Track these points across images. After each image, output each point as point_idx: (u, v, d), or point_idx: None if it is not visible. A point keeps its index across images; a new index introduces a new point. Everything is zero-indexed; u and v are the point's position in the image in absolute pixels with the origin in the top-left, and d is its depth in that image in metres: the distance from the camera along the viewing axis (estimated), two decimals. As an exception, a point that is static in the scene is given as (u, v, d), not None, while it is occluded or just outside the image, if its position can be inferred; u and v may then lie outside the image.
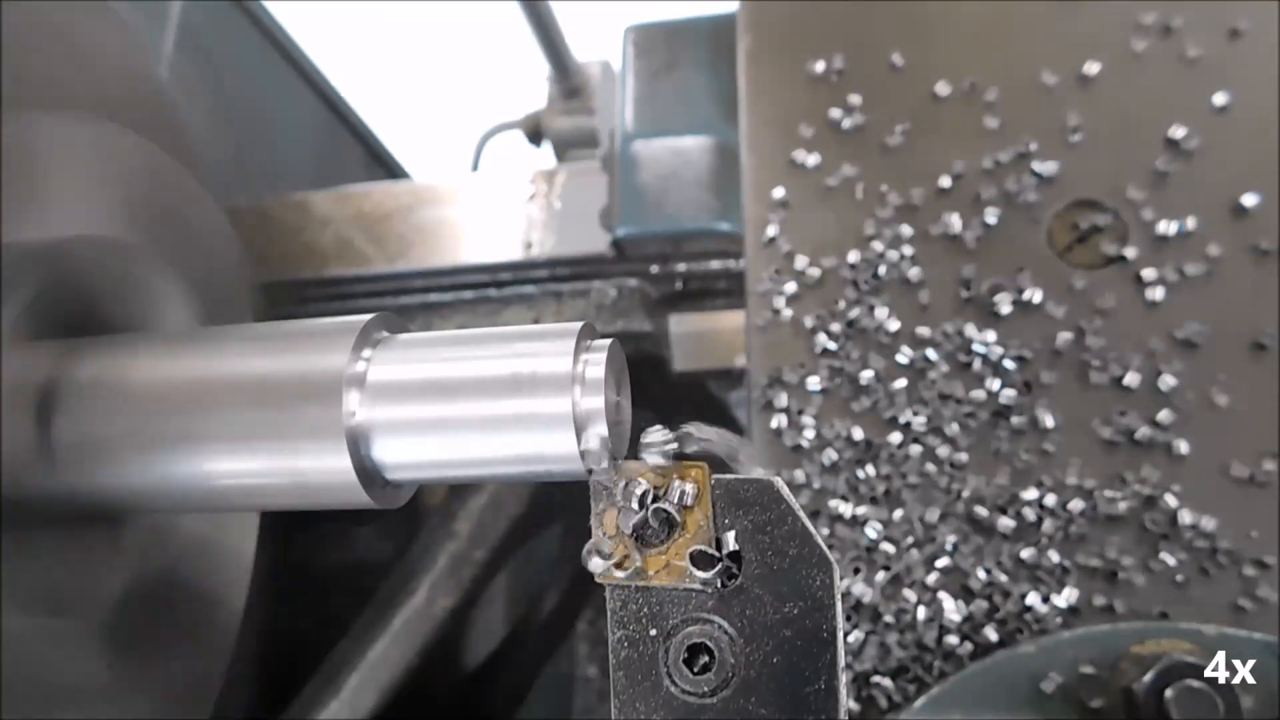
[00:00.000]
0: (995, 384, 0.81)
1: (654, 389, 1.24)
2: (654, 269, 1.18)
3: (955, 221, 0.87)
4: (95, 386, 0.57)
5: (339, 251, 1.26)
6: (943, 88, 0.92)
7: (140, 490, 0.56)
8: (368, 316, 0.54)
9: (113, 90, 0.71)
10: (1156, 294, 0.82)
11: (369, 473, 0.52)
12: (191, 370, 0.55)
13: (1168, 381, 0.79)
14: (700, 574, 0.45)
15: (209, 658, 0.76)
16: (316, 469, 0.52)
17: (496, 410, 0.49)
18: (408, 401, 0.51)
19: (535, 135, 1.85)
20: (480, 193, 1.28)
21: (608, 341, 0.51)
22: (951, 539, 0.78)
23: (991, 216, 0.87)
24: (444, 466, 0.52)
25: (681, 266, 1.17)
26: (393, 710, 1.18)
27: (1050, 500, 0.77)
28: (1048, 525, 0.77)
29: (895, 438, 0.81)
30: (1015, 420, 0.80)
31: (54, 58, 0.65)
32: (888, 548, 0.78)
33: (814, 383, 0.84)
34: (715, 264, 1.16)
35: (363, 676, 1.17)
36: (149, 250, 0.69)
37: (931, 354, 0.83)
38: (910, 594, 0.77)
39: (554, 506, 1.32)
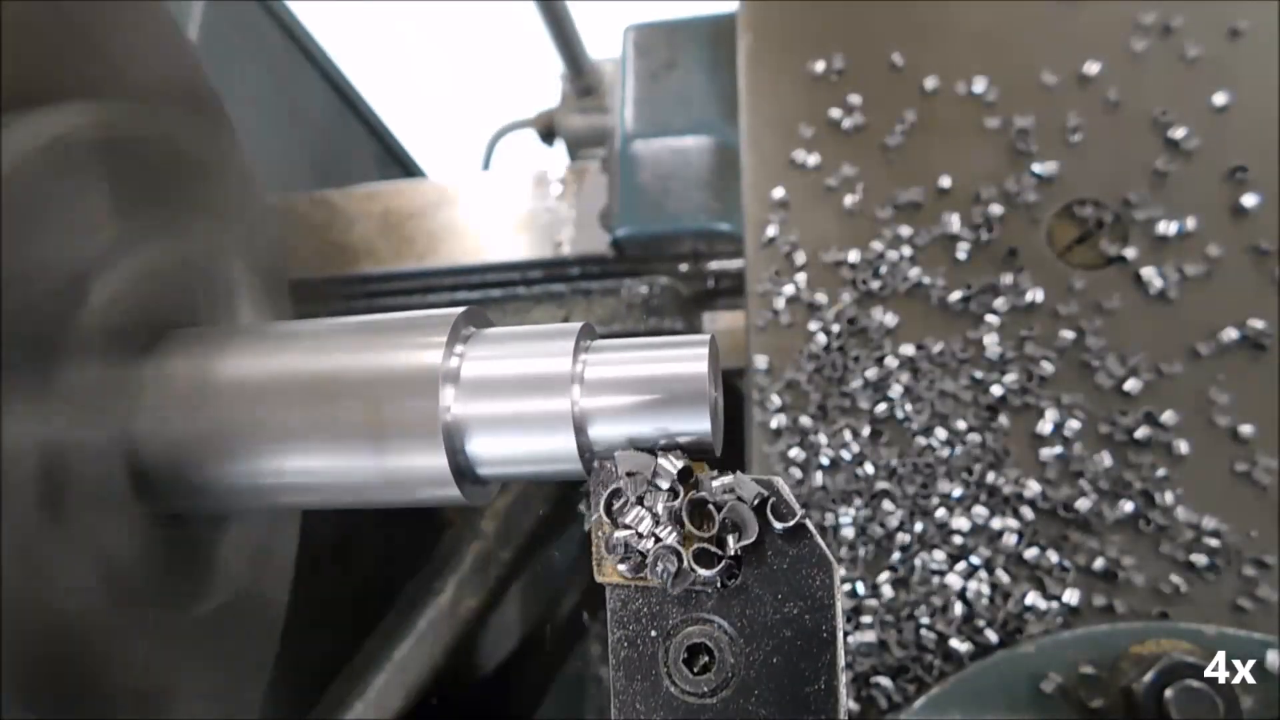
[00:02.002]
0: (994, 383, 0.81)
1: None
2: (684, 267, 1.18)
3: (955, 221, 0.87)
4: (181, 382, 0.56)
5: (367, 249, 1.26)
6: (942, 87, 0.92)
7: (230, 487, 0.55)
8: (458, 310, 0.53)
9: (166, 80, 0.71)
10: (1156, 294, 0.82)
11: (462, 469, 0.52)
12: (282, 365, 0.55)
13: (1167, 381, 0.79)
14: (702, 573, 0.45)
15: (258, 660, 0.75)
16: (412, 465, 0.51)
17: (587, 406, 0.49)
18: (502, 397, 0.51)
19: (548, 134, 1.84)
20: (507, 191, 1.27)
21: (708, 336, 0.51)
22: (951, 539, 0.78)
23: (992, 216, 0.86)
24: (535, 462, 0.51)
25: (714, 265, 1.17)
26: (417, 710, 1.18)
27: (1050, 499, 0.77)
28: (1047, 525, 0.77)
29: (895, 437, 0.81)
30: (1015, 420, 0.80)
31: (115, 48, 0.65)
32: (887, 547, 0.78)
33: (814, 383, 0.84)
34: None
35: (389, 677, 1.17)
36: (229, 245, 0.68)
37: (931, 353, 0.83)
38: (910, 594, 0.77)
39: (577, 505, 1.32)
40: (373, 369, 0.52)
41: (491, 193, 1.28)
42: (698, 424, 0.48)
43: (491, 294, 1.24)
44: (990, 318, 0.83)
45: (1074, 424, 0.79)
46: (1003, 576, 0.76)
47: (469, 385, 0.51)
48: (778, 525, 0.45)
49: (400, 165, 1.97)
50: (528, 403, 0.50)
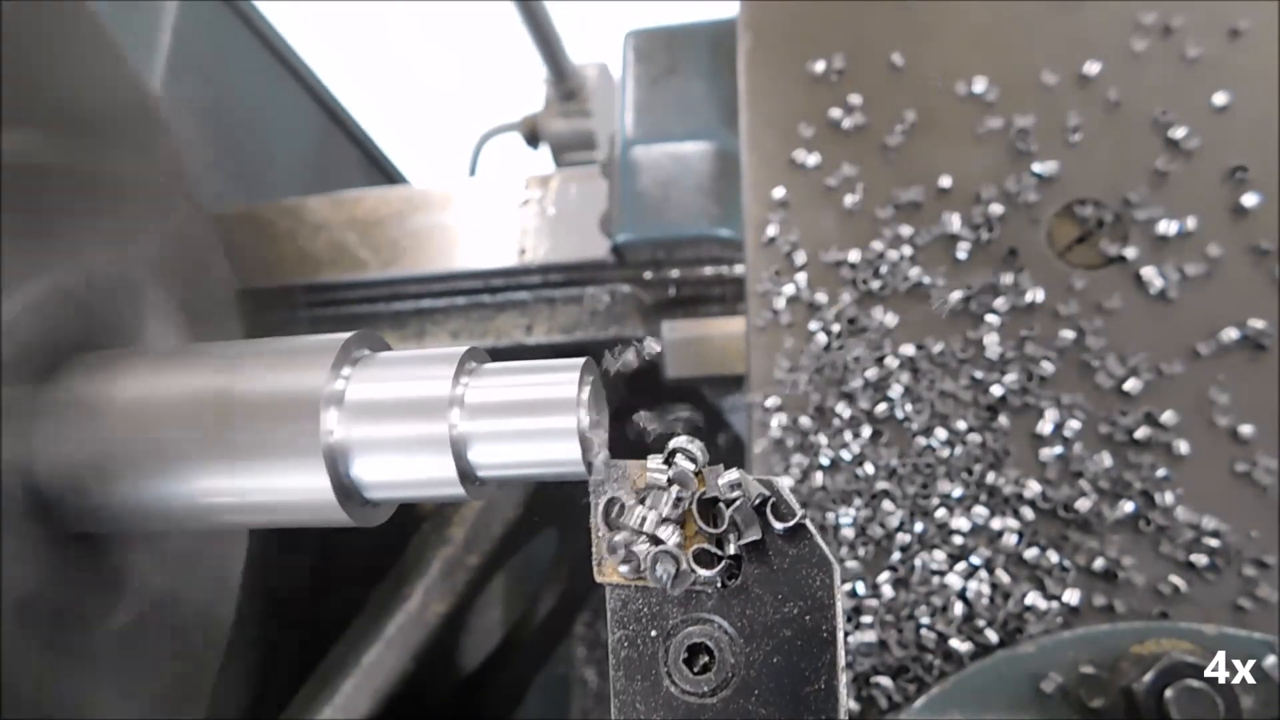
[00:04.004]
0: (994, 383, 0.81)
1: (647, 395, 1.24)
2: (647, 275, 1.18)
3: (955, 221, 0.86)
4: (76, 405, 0.56)
5: (333, 257, 1.26)
6: (942, 87, 0.92)
7: (121, 509, 0.56)
8: (348, 334, 0.54)
9: (101, 108, 0.71)
10: (1156, 294, 0.82)
11: (348, 491, 0.52)
12: (172, 388, 0.55)
13: (1167, 381, 0.79)
14: (702, 573, 0.45)
15: (196, 669, 0.76)
16: (295, 487, 0.52)
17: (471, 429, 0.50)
18: (384, 420, 0.51)
19: (533, 137, 1.86)
20: (475, 198, 1.28)
21: (581, 361, 0.51)
22: (951, 539, 0.78)
23: (992, 216, 0.86)
24: (418, 486, 0.52)
25: (675, 273, 1.17)
26: (388, 714, 1.18)
27: (1050, 500, 0.77)
28: (1047, 525, 0.77)
29: (895, 437, 0.81)
30: (1015, 420, 0.80)
31: (42, 78, 0.66)
32: (887, 547, 0.78)
33: (814, 383, 0.84)
34: (709, 270, 1.16)
35: (357, 681, 1.17)
36: (137, 267, 0.69)
37: (931, 353, 0.83)
38: (910, 594, 0.77)
39: (549, 511, 1.32)
40: (260, 392, 0.53)
41: (458, 201, 1.28)
42: (567, 447, 0.48)
43: (457, 301, 1.25)
44: (990, 318, 0.83)
45: (1074, 424, 0.79)
46: (1003, 576, 0.76)
47: (352, 408, 0.51)
48: (778, 525, 0.45)
49: (382, 173, 1.97)
50: (408, 426, 0.50)
